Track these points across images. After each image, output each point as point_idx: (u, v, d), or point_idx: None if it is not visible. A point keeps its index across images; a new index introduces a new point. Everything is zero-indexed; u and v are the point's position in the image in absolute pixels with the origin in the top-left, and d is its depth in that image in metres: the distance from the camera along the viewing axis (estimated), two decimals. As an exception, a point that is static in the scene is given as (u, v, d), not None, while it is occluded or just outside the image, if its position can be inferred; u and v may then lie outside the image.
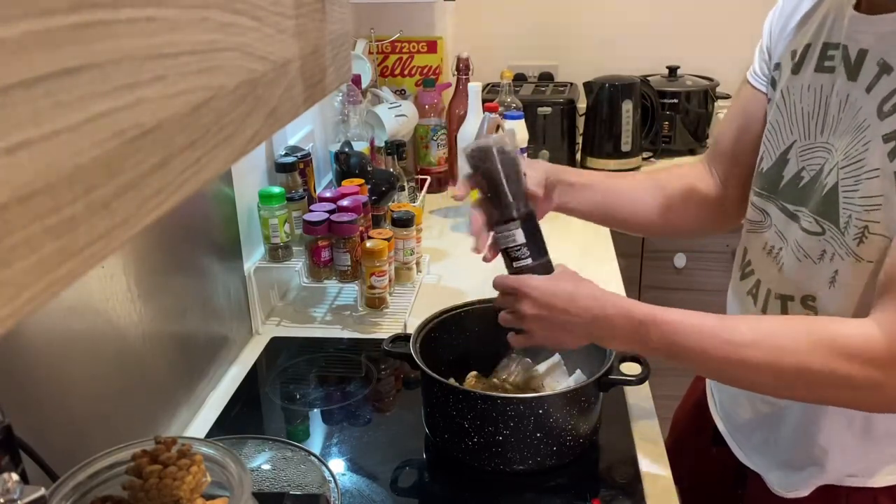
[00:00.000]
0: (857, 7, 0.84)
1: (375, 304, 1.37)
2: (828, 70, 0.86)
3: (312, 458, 0.98)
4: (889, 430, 0.90)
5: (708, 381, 1.16)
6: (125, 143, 0.28)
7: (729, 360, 0.81)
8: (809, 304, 0.89)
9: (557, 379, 1.11)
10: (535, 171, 1.02)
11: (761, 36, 1.02)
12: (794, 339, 0.79)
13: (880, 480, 0.92)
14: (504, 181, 0.93)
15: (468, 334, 1.15)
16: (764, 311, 0.95)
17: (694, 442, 1.17)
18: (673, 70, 2.25)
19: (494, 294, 1.18)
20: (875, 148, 0.79)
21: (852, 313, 0.84)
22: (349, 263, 1.35)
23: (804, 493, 0.95)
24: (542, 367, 1.12)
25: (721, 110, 2.25)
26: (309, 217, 1.33)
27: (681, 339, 0.83)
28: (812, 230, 0.87)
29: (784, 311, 0.92)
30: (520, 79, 2.33)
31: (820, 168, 0.86)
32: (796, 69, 0.91)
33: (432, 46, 2.11)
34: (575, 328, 0.88)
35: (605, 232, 1.77)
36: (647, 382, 1.04)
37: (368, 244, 1.32)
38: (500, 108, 1.82)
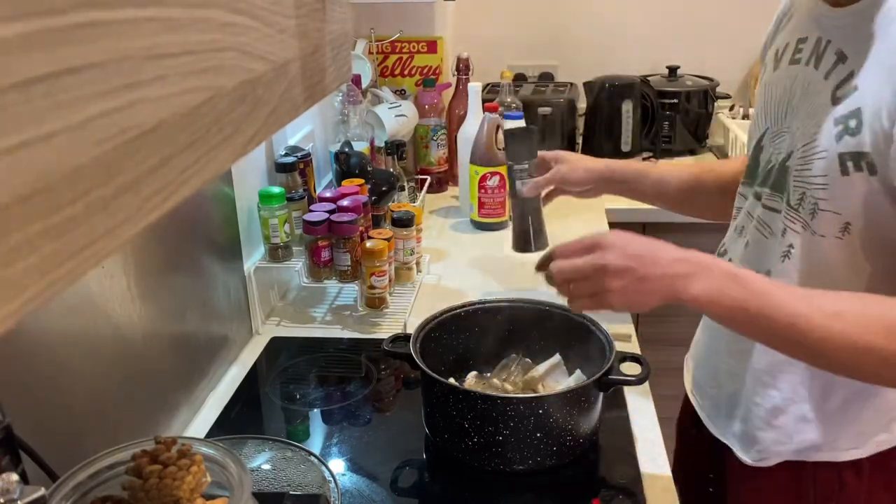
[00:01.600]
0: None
1: (375, 304, 1.37)
2: (797, 62, 0.93)
3: (312, 458, 0.98)
4: (847, 399, 0.92)
5: (687, 360, 1.18)
6: (125, 143, 0.28)
7: (813, 326, 0.78)
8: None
9: (557, 379, 1.11)
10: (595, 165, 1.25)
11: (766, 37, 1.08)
12: (878, 318, 0.78)
13: (844, 455, 0.94)
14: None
15: (468, 334, 1.15)
16: None
17: (683, 428, 1.21)
18: (673, 70, 2.25)
19: (494, 294, 1.19)
20: (826, 130, 0.85)
21: (798, 283, 0.88)
22: (349, 263, 1.35)
23: (771, 462, 0.98)
24: (542, 367, 1.12)
25: (721, 110, 2.25)
26: (309, 217, 1.33)
27: (772, 299, 0.79)
28: (770, 206, 0.94)
29: None
30: (520, 79, 2.33)
31: (785, 151, 0.92)
32: (776, 66, 0.98)
33: (432, 46, 2.11)
34: (657, 281, 0.82)
35: (604, 232, 1.77)
36: (647, 382, 1.04)
37: (368, 244, 1.32)
38: (500, 108, 1.82)
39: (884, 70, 0.80)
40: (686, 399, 1.18)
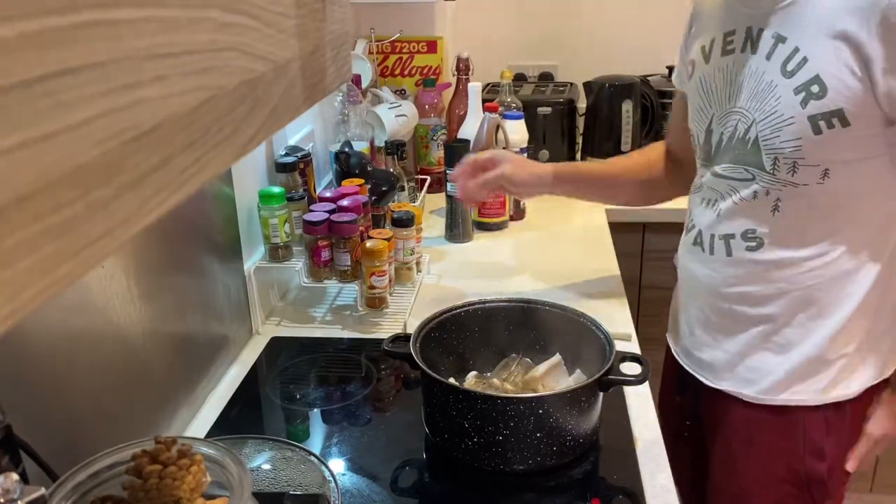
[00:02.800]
0: None
1: (375, 304, 1.37)
2: (730, 52, 1.06)
3: (312, 458, 0.98)
4: (804, 354, 1.07)
5: (671, 338, 1.30)
6: (125, 143, 0.28)
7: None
8: (749, 237, 1.07)
9: (557, 379, 1.11)
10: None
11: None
12: None
13: (820, 398, 1.09)
14: None
15: (468, 334, 1.15)
16: (711, 253, 1.12)
17: (665, 400, 1.37)
18: (673, 70, 2.25)
19: (494, 294, 1.19)
20: (787, 100, 0.97)
21: (794, 226, 1.02)
22: (349, 263, 1.35)
23: (772, 397, 1.11)
24: (542, 367, 1.12)
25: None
26: (309, 217, 1.33)
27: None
28: (743, 177, 1.05)
29: (728, 247, 1.09)
30: (520, 79, 2.32)
31: (734, 128, 1.05)
32: (706, 59, 1.10)
33: (432, 46, 2.11)
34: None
35: (605, 232, 1.77)
36: (647, 382, 1.04)
37: (368, 244, 1.32)
38: (500, 108, 1.82)
39: (828, 38, 0.92)
40: (670, 369, 1.30)
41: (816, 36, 0.94)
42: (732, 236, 1.09)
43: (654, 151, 1.38)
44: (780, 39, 0.98)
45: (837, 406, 1.09)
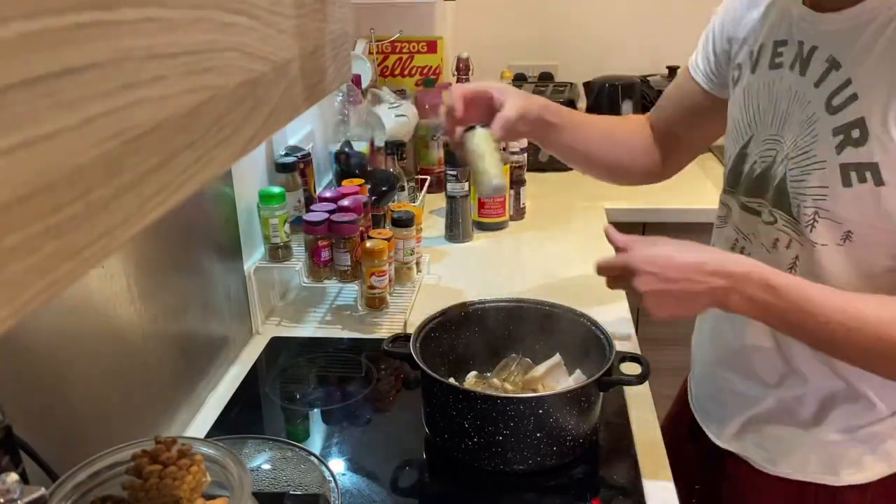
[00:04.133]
0: (806, 2, 0.87)
1: (375, 304, 1.37)
2: (778, 66, 0.90)
3: (312, 458, 0.98)
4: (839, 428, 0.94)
5: (691, 379, 1.17)
6: (125, 143, 0.28)
7: (849, 331, 0.79)
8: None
9: (557, 379, 1.11)
10: (517, 102, 1.01)
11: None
12: None
13: (843, 479, 0.96)
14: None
15: (468, 334, 1.15)
16: None
17: (674, 439, 1.18)
18: (673, 70, 2.25)
19: (494, 294, 1.19)
20: (823, 140, 0.83)
21: None
22: (349, 263, 1.35)
23: (784, 467, 0.99)
24: (542, 367, 1.12)
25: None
26: (309, 217, 1.33)
27: (808, 305, 0.79)
28: (767, 220, 0.92)
29: None
30: (520, 79, 2.33)
31: (772, 159, 0.90)
32: (754, 68, 0.95)
33: (432, 46, 2.11)
34: (700, 297, 0.83)
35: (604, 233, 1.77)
36: (647, 382, 1.04)
37: (368, 244, 1.32)
38: (500, 108, 1.82)
39: (888, 77, 0.77)
40: (682, 409, 1.17)
41: (875, 72, 0.79)
42: None
43: (637, 119, 1.21)
44: (833, 65, 0.82)
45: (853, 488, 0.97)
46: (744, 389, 1.01)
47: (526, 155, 1.87)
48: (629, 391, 1.15)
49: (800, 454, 0.97)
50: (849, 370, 0.90)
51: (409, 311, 1.39)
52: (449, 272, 1.58)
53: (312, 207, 1.39)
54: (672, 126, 1.15)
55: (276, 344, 1.34)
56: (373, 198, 1.49)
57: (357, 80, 1.78)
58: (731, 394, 1.03)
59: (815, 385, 0.94)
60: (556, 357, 1.13)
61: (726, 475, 1.07)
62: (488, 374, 1.15)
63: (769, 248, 0.92)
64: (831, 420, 0.94)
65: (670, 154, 1.18)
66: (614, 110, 2.11)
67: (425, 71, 2.12)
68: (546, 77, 2.37)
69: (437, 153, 2.00)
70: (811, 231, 0.86)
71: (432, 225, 1.79)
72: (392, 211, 1.46)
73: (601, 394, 1.02)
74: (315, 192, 1.54)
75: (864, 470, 0.95)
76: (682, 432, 1.16)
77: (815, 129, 0.84)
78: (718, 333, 1.05)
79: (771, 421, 0.99)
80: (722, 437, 1.06)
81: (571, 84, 2.25)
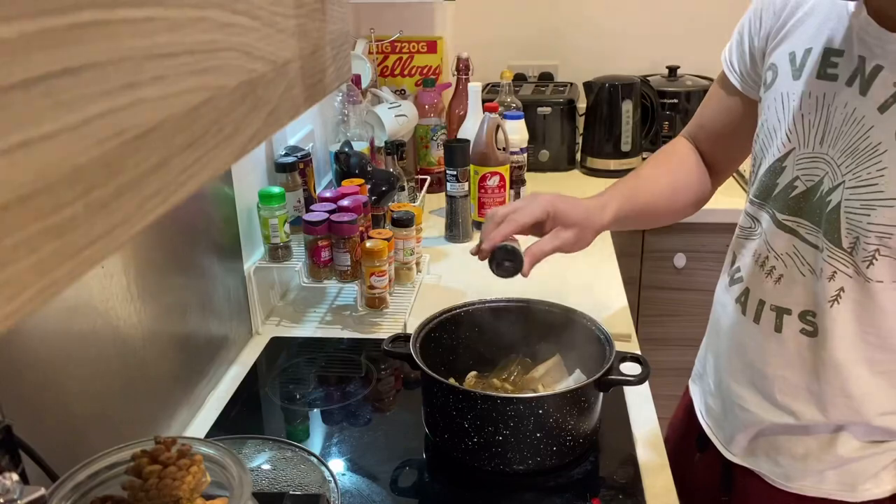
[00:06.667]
0: (871, 14, 0.78)
1: (375, 304, 1.37)
2: (830, 78, 0.82)
3: (312, 458, 0.98)
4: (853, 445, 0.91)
5: (694, 388, 1.15)
6: (125, 143, 0.28)
7: None
8: (808, 320, 0.88)
9: (557, 379, 1.11)
10: (535, 208, 0.98)
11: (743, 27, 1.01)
12: None
13: (860, 495, 0.92)
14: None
15: (468, 334, 1.15)
16: (756, 322, 0.93)
17: (681, 448, 1.16)
18: (673, 70, 2.25)
19: (494, 294, 1.19)
20: (893, 174, 0.76)
21: (854, 331, 0.84)
22: (349, 263, 1.35)
23: (799, 483, 0.95)
24: (542, 368, 1.12)
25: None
26: (309, 217, 1.33)
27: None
28: (812, 243, 0.86)
29: (779, 322, 0.90)
30: (520, 79, 2.33)
31: (819, 180, 0.84)
32: (797, 74, 0.87)
33: (432, 46, 2.11)
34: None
35: (605, 232, 1.77)
36: (647, 382, 1.04)
37: (368, 244, 1.32)
38: (500, 108, 1.82)
39: None
40: (689, 419, 1.14)
41: None
42: (788, 311, 0.89)
43: (686, 150, 1.12)
44: None
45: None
46: (759, 411, 0.96)
47: (526, 155, 1.87)
48: (629, 391, 1.15)
49: (816, 470, 0.94)
50: (874, 414, 0.87)
51: (408, 311, 1.39)
52: (449, 272, 1.58)
53: (312, 207, 1.39)
54: (718, 141, 1.09)
55: (275, 344, 1.34)
56: (372, 198, 1.49)
57: (357, 80, 1.78)
58: (743, 410, 0.99)
59: (836, 417, 0.90)
60: (556, 357, 1.13)
61: (737, 489, 1.04)
62: (488, 374, 1.15)
63: (817, 275, 0.85)
64: (849, 438, 0.91)
65: (719, 172, 1.12)
66: (614, 110, 2.11)
67: (425, 71, 2.12)
68: (546, 77, 2.37)
69: (437, 153, 2.00)
70: (868, 267, 0.80)
71: (432, 225, 1.79)
72: (392, 211, 1.46)
73: (601, 394, 1.02)
74: (315, 192, 1.54)
75: (882, 485, 0.92)
76: (689, 442, 1.13)
77: (884, 162, 0.77)
78: (738, 346, 0.98)
79: (786, 437, 0.96)
80: (732, 450, 1.03)
81: (571, 84, 2.26)
